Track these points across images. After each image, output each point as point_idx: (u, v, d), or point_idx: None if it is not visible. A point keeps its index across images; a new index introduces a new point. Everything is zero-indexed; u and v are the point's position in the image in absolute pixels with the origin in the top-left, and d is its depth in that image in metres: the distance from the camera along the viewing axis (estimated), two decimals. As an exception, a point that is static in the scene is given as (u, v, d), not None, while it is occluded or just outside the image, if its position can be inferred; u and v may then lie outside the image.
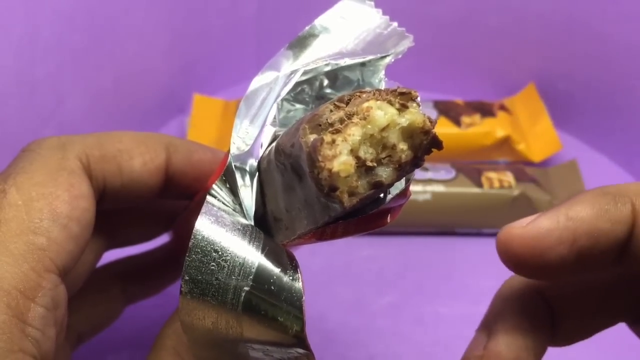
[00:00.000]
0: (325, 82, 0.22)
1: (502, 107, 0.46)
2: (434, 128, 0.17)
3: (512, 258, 0.19)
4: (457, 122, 0.44)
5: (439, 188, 0.39)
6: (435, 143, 0.18)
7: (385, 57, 0.22)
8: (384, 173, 0.17)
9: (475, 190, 0.39)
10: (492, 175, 0.40)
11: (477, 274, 0.38)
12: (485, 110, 0.45)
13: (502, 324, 0.21)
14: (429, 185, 0.39)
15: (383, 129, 0.17)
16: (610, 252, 0.19)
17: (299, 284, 0.19)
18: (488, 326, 0.22)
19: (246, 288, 0.18)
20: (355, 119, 0.17)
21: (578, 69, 0.45)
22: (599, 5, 0.43)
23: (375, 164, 0.17)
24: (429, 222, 0.40)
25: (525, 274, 0.20)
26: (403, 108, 0.17)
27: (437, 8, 0.47)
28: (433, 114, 0.44)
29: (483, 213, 0.40)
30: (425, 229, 0.40)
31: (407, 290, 0.37)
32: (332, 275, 0.37)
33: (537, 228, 0.19)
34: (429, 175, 0.40)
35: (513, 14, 0.46)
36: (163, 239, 0.31)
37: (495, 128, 0.44)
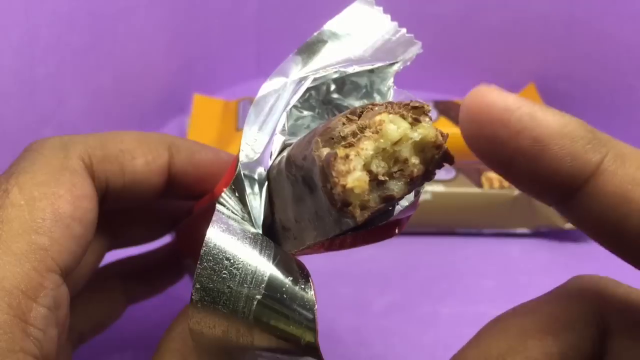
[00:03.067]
0: (332, 87, 0.22)
1: (502, 107, 0.46)
2: (445, 142, 0.17)
3: (477, 113, 0.17)
4: (457, 122, 0.44)
5: (439, 188, 0.39)
6: (447, 157, 0.18)
7: (393, 64, 0.21)
8: (395, 187, 0.17)
9: (475, 190, 0.40)
10: (492, 175, 0.40)
11: (477, 274, 0.38)
12: (485, 110, 0.45)
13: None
14: (428, 185, 0.39)
15: (395, 143, 0.17)
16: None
17: (311, 294, 0.19)
18: None
19: (258, 297, 0.18)
20: (367, 133, 0.17)
21: (578, 69, 0.45)
22: (599, 5, 0.43)
23: (387, 178, 0.17)
24: (429, 222, 0.40)
25: (476, 148, 0.18)
26: (415, 122, 0.17)
27: (437, 8, 0.47)
28: (433, 114, 0.44)
29: (483, 213, 0.40)
30: (425, 229, 0.40)
31: (407, 290, 0.37)
32: (332, 275, 0.37)
33: (545, 123, 0.17)
34: (434, 178, 0.40)
35: (513, 14, 0.46)
36: (164, 239, 0.31)
37: (495, 128, 0.44)
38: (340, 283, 0.37)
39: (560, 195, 0.17)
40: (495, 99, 0.17)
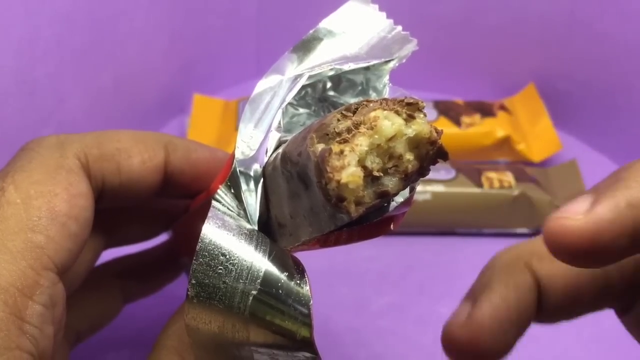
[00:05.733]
0: (329, 84, 0.22)
1: (502, 107, 0.46)
2: (440, 138, 0.18)
3: (567, 252, 0.17)
4: (457, 122, 0.44)
5: (439, 188, 0.39)
6: (441, 153, 0.18)
7: (389, 61, 0.22)
8: (390, 183, 0.17)
9: (475, 190, 0.39)
10: (492, 175, 0.40)
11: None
12: (485, 110, 0.45)
13: (488, 295, 0.21)
14: (428, 185, 0.39)
15: (390, 139, 0.17)
16: None
17: (306, 289, 0.19)
18: (474, 296, 0.22)
19: (254, 292, 0.18)
20: (362, 129, 0.17)
21: (578, 69, 0.45)
22: (599, 5, 0.43)
23: (381, 174, 0.17)
24: (429, 222, 0.40)
25: (579, 265, 0.18)
26: (410, 118, 0.17)
27: (437, 8, 0.47)
28: (433, 114, 0.44)
29: (483, 213, 0.40)
30: (425, 229, 0.40)
31: (407, 291, 0.37)
32: (332, 275, 0.37)
33: (598, 220, 0.17)
34: (428, 175, 0.40)
35: (513, 14, 0.46)
36: (161, 237, 0.31)
37: (495, 128, 0.44)
38: (339, 283, 0.37)
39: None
40: (580, 226, 0.17)
